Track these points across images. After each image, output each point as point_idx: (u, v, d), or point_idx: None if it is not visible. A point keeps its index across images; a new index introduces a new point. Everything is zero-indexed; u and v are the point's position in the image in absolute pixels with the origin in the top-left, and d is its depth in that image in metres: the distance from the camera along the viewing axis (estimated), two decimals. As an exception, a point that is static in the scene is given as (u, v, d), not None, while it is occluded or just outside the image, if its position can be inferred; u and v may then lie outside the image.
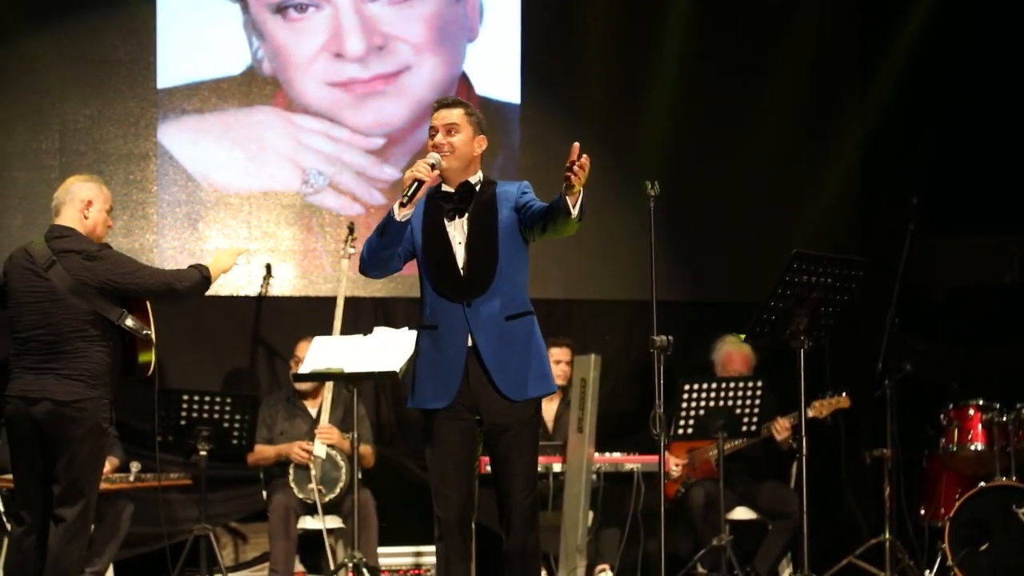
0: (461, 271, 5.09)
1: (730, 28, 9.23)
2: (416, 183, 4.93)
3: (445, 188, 5.15)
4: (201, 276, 6.07)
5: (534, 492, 5.12)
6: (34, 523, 5.84)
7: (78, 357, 5.78)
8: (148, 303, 5.98)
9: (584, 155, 4.75)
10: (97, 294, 5.81)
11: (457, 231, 5.12)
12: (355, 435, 7.02)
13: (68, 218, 5.95)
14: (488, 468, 5.45)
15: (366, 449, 7.59)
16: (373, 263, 5.11)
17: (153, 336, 5.93)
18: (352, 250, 7.90)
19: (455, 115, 5.11)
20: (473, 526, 5.12)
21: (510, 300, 5.10)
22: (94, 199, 5.98)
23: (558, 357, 7.88)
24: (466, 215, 5.11)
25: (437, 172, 5.04)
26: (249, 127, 8.69)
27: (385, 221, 5.00)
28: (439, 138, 5.09)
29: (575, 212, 4.84)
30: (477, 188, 5.14)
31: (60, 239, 5.89)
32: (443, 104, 5.15)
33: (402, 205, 4.94)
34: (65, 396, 5.75)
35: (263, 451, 7.64)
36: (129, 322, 5.86)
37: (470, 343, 5.05)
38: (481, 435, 5.12)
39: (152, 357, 5.97)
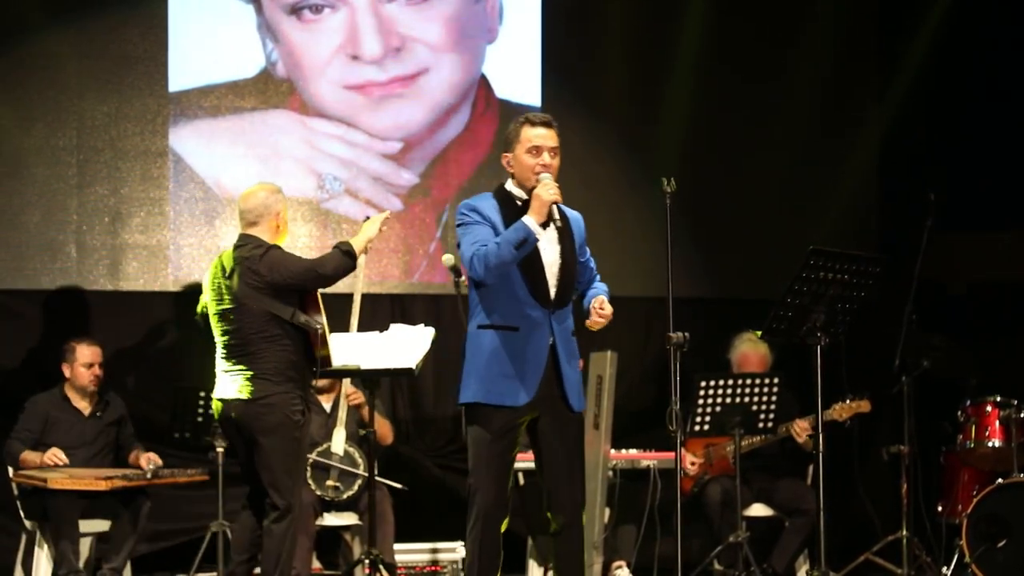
0: (548, 279, 5.35)
1: (748, 26, 9.25)
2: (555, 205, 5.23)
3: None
4: (342, 253, 6.24)
5: (583, 488, 5.41)
6: (258, 507, 6.24)
7: (261, 357, 6.09)
8: (318, 296, 6.22)
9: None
10: (266, 295, 6.08)
11: (542, 241, 5.31)
12: (373, 433, 7.02)
13: (261, 230, 6.23)
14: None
15: (383, 425, 7.60)
16: (499, 272, 5.27)
17: (325, 330, 6.14)
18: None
19: (556, 138, 5.36)
20: (507, 517, 5.33)
21: (570, 316, 5.46)
22: (283, 211, 6.30)
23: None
24: (549, 228, 5.28)
25: None
26: (263, 131, 8.63)
27: (524, 237, 5.19)
28: (547, 159, 5.31)
29: None
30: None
31: (243, 247, 6.18)
32: (547, 124, 5.37)
33: (545, 227, 5.20)
34: (252, 394, 6.09)
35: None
36: (301, 319, 6.10)
37: (550, 342, 5.33)
38: (524, 432, 5.36)
39: (328, 351, 6.20)
